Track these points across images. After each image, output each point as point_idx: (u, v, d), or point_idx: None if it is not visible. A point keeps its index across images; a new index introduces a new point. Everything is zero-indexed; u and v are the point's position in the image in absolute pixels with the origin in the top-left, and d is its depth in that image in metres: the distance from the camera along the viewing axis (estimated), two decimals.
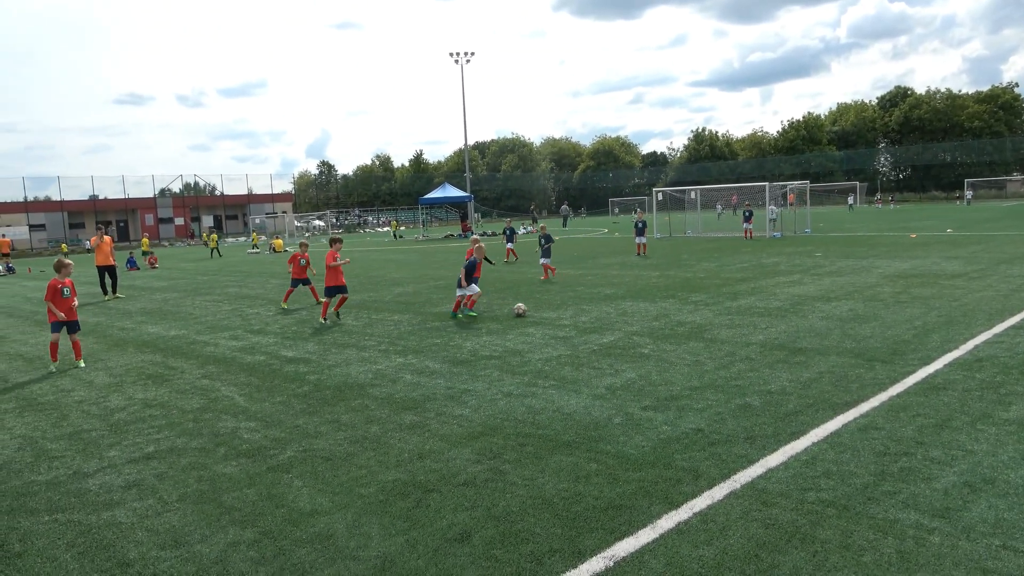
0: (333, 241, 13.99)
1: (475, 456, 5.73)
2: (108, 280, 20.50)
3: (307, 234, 66.98)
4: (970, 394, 6.60)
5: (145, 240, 47.78)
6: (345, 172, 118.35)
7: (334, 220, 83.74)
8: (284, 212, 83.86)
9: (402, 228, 71.59)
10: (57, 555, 4.48)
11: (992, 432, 5.60)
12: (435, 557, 4.13)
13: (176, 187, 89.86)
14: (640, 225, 25.06)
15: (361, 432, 6.54)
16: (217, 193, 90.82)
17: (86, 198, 77.70)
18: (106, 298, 20.16)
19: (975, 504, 4.38)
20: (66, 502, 5.32)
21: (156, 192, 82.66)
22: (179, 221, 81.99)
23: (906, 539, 4.00)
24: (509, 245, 25.78)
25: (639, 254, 24.72)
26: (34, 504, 5.33)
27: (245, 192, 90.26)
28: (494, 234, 50.81)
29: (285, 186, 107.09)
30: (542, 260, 18.95)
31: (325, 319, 13.12)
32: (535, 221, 60.88)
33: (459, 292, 12.61)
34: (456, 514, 4.68)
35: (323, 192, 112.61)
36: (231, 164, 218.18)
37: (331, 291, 13.26)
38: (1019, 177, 77.75)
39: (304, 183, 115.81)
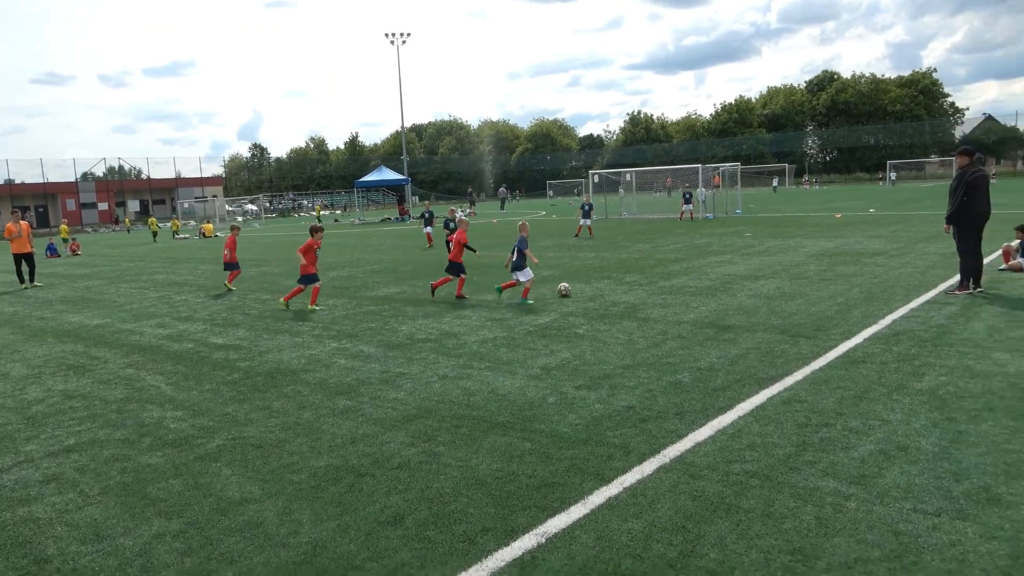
0: (315, 230, 13.10)
1: (409, 439, 5.71)
2: (25, 268, 19.58)
3: (239, 219, 65.28)
4: (887, 366, 6.89)
5: (64, 227, 45.84)
6: (279, 155, 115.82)
7: (267, 204, 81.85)
8: (214, 196, 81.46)
9: (325, 212, 70.12)
10: None
11: (906, 402, 5.85)
12: (367, 541, 4.10)
13: (99, 171, 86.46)
14: (587, 207, 25.45)
15: (293, 418, 6.44)
16: (143, 177, 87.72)
17: (1, 182, 73.94)
18: (23, 286, 19.27)
19: (889, 471, 4.58)
20: None
21: (78, 176, 79.34)
22: (103, 206, 78.85)
23: (824, 506, 4.16)
24: (427, 230, 25.36)
25: (578, 235, 25.06)
26: None
27: (173, 176, 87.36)
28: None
29: (215, 169, 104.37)
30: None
31: (316, 305, 12.46)
32: (473, 204, 60.58)
33: (515, 276, 11.74)
34: (389, 497, 4.65)
35: (255, 176, 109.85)
36: (158, 147, 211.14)
37: (310, 279, 12.68)
38: (937, 159, 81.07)
39: (236, 166, 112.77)
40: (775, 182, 67.60)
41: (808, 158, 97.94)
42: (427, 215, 25.99)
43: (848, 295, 10.65)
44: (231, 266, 16.15)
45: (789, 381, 6.59)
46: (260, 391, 7.41)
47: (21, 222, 19.80)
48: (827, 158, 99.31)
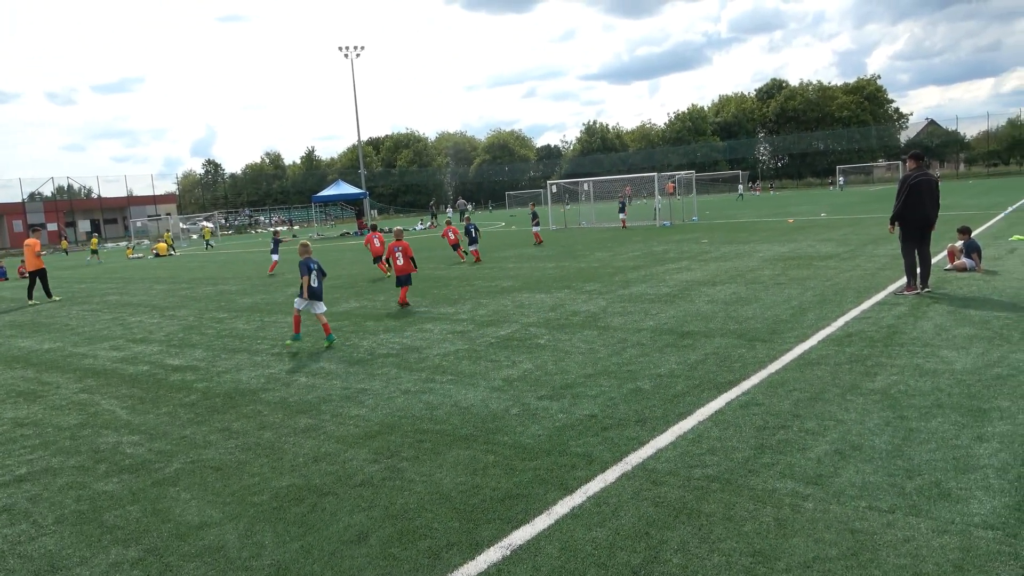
0: (399, 233, 13.97)
1: (372, 456, 5.68)
2: (37, 283, 19.75)
3: (205, 228, 64.01)
4: (841, 367, 7.05)
5: (95, 240, 44.55)
6: (233, 171, 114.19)
7: (223, 220, 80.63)
8: (168, 214, 79.97)
9: (283, 228, 69.07)
10: None
11: (860, 402, 6.01)
12: (331, 561, 4.07)
13: (47, 190, 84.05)
14: (533, 215, 27.99)
15: (253, 439, 6.35)
16: (94, 196, 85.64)
17: None
18: (31, 302, 19.29)
19: (844, 470, 4.70)
20: None
21: (25, 196, 77.09)
22: (52, 227, 76.80)
23: (783, 507, 4.25)
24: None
25: (538, 242, 26.78)
26: None
27: (125, 194, 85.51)
28: (389, 231, 50.26)
29: (169, 187, 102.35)
30: (471, 247, 21.33)
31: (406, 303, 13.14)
32: (435, 216, 60.41)
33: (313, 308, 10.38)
34: (353, 516, 4.62)
35: (210, 192, 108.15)
36: (109, 165, 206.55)
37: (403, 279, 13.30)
38: (884, 163, 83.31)
39: (189, 183, 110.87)
40: (740, 188, 68.58)
41: (761, 164, 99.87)
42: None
43: (802, 298, 10.88)
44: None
45: (746, 385, 6.71)
46: (219, 412, 7.29)
47: (31, 240, 19.83)
48: (779, 164, 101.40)
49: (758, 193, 74.14)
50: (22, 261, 37.26)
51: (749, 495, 4.44)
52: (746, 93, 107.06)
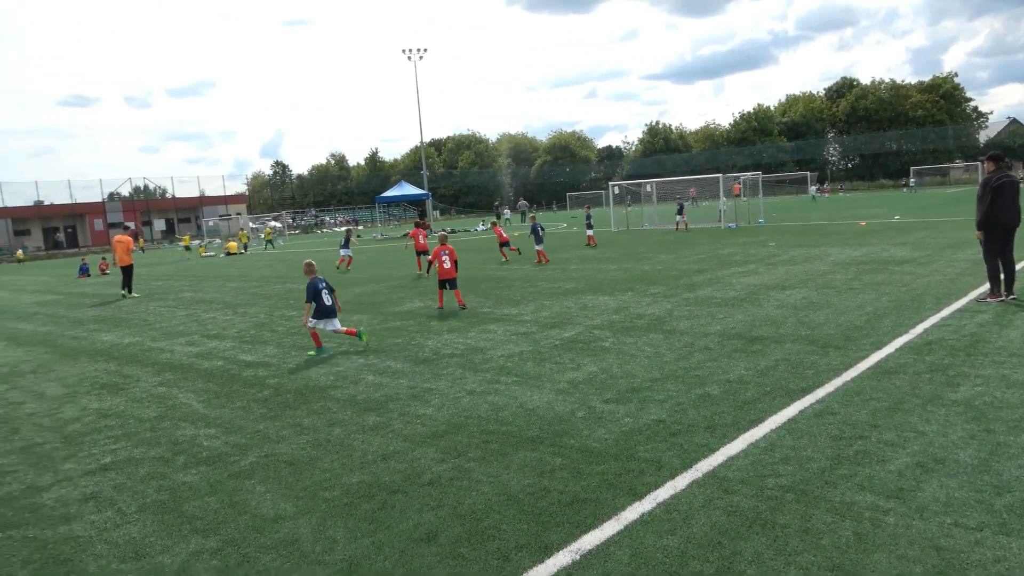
0: (443, 237, 14.18)
1: (440, 455, 5.73)
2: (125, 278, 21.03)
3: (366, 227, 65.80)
4: (920, 377, 6.80)
5: (187, 238, 47.17)
6: (300, 172, 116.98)
7: (290, 220, 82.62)
8: (238, 214, 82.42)
9: (355, 228, 70.24)
10: (13, 572, 4.36)
11: (942, 413, 5.78)
12: (402, 558, 4.12)
13: (125, 191, 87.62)
14: (588, 217, 28.28)
15: (324, 435, 6.48)
16: (168, 196, 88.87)
17: (31, 204, 75.32)
18: (123, 295, 20.69)
19: (927, 484, 4.52)
20: (20, 518, 5.18)
21: (104, 196, 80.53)
22: (130, 225, 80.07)
23: (863, 521, 4.12)
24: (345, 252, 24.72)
25: (589, 244, 27.03)
26: None
27: (197, 194, 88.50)
28: (452, 231, 50.68)
29: (239, 187, 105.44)
30: (537, 246, 21.43)
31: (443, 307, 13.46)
32: (499, 217, 60.67)
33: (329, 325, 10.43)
34: (422, 514, 4.67)
35: (278, 192, 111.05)
36: (182, 166, 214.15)
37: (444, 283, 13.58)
38: (961, 164, 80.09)
39: (258, 184, 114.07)
40: (813, 190, 66.75)
41: (830, 165, 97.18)
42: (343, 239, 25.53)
43: (877, 304, 10.54)
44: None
45: (820, 393, 6.53)
46: (290, 408, 7.47)
47: (124, 236, 21.28)
48: (849, 165, 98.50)
49: (827, 195, 72.15)
50: (103, 258, 39.06)
51: (826, 507, 4.31)
52: (814, 92, 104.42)
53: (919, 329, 8.77)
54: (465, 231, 50.01)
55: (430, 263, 13.73)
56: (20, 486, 5.84)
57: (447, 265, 13.31)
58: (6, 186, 72.66)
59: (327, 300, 10.20)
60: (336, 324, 10.35)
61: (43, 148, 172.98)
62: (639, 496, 4.67)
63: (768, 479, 4.77)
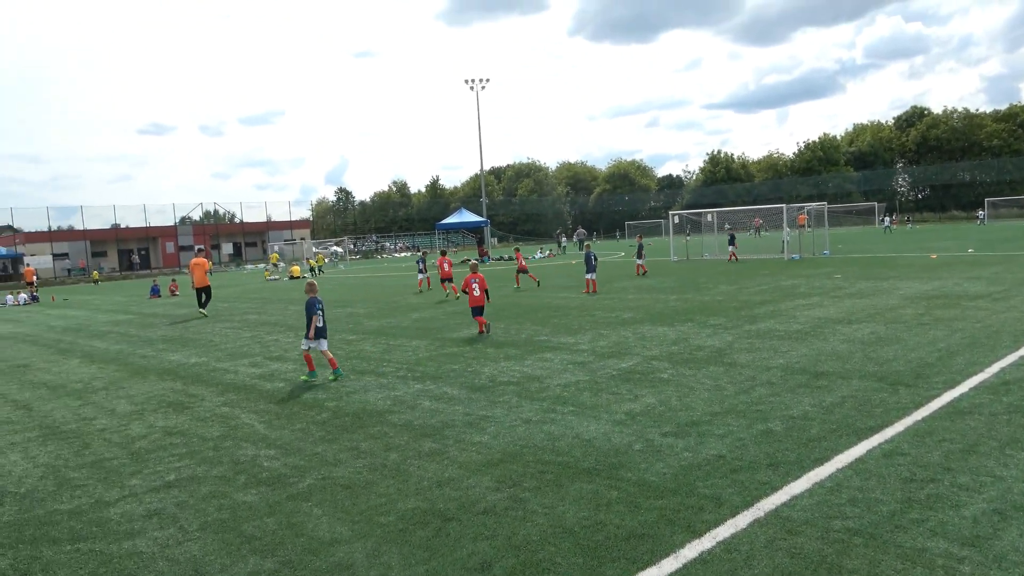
0: (475, 266, 14.63)
1: (495, 484, 5.70)
2: (203, 297, 22.22)
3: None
4: (997, 418, 6.49)
5: (275, 255, 49.25)
6: (362, 198, 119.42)
7: (351, 246, 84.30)
8: (302, 239, 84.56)
9: (405, 253, 70.93)
10: None
11: (1021, 457, 5.49)
12: None
13: (196, 215, 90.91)
14: (640, 247, 28.02)
15: (380, 460, 6.53)
16: (236, 220, 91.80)
17: (108, 227, 78.78)
18: (201, 313, 21.80)
19: (1006, 532, 4.29)
20: (88, 531, 5.34)
21: (176, 220, 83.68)
22: (200, 248, 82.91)
23: (935, 569, 3.92)
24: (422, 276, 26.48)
25: (639, 273, 26.80)
26: (56, 533, 5.35)
27: (264, 219, 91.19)
28: (508, 259, 50.93)
29: (303, 213, 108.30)
30: (587, 275, 20.90)
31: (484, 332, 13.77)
32: (560, 245, 60.81)
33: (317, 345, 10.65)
34: (476, 543, 4.64)
35: (340, 218, 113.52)
36: (251, 191, 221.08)
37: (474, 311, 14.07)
38: None
39: (322, 210, 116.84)
40: (886, 221, 65.01)
41: (899, 196, 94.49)
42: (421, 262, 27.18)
43: (949, 341, 10.13)
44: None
45: (890, 432, 6.28)
46: (348, 431, 7.56)
47: (201, 259, 22.68)
48: (919, 196, 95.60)
49: (895, 226, 70.05)
50: (173, 280, 40.50)
51: (896, 553, 4.12)
52: (883, 121, 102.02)
53: (995, 368, 8.38)
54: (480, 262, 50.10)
55: (463, 290, 14.06)
56: (89, 500, 6.03)
57: (476, 293, 13.84)
58: (87, 210, 76.14)
59: (319, 321, 10.53)
60: (325, 345, 10.62)
61: (122, 174, 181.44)
62: (698, 533, 4.55)
63: (834, 521, 4.59)
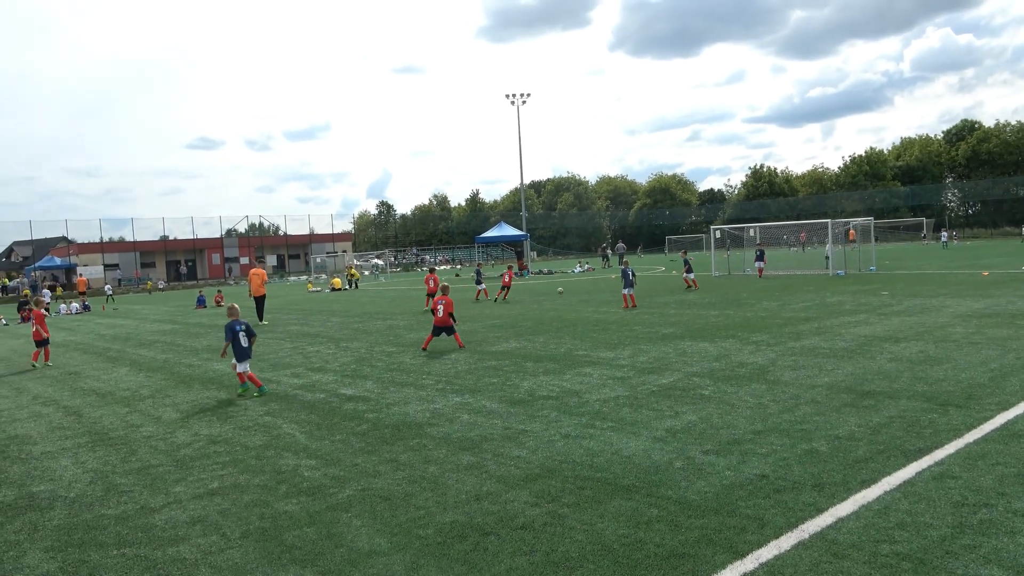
0: (445, 288, 14.99)
1: (533, 499, 5.67)
2: (259, 306, 23.05)
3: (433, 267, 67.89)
4: None
5: (353, 269, 50.09)
6: (404, 212, 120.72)
7: (392, 259, 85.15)
8: (344, 251, 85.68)
9: (446, 267, 71.65)
10: None
11: None
12: None
13: (242, 227, 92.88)
14: (686, 262, 28.37)
15: (419, 472, 6.55)
16: (280, 233, 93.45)
17: (157, 238, 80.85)
18: (263, 323, 22.45)
19: None
20: (134, 536, 5.45)
21: (223, 232, 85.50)
22: (244, 260, 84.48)
23: None
24: (480, 287, 27.99)
25: (689, 287, 27.08)
26: (103, 538, 5.47)
27: (307, 232, 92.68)
28: (550, 272, 50.88)
29: (346, 226, 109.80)
30: (625, 290, 20.79)
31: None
32: (605, 259, 60.63)
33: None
34: (514, 558, 4.62)
35: (382, 232, 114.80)
36: (294, 205, 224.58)
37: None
38: None
39: (364, 223, 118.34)
40: (944, 236, 63.55)
41: (948, 211, 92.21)
42: (478, 272, 29.63)
43: (1003, 361, 9.82)
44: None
45: (940, 455, 6.10)
46: (387, 443, 7.60)
47: (259, 269, 23.42)
48: (969, 211, 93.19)
49: (955, 242, 68.21)
50: (219, 291, 41.27)
51: None
52: (932, 135, 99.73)
53: None
54: (563, 273, 50.08)
55: (431, 310, 14.39)
56: (135, 506, 6.15)
57: (440, 314, 14.27)
58: (137, 222, 78.48)
59: (244, 342, 10.71)
60: (247, 367, 10.82)
61: (171, 188, 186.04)
62: (740, 555, 4.46)
63: (882, 545, 4.46)
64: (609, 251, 69.27)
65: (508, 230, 58.97)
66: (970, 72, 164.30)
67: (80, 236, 76.97)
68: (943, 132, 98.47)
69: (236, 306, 11.37)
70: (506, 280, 26.98)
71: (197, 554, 5.03)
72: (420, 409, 9.10)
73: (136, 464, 7.46)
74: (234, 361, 10.84)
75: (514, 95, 57.68)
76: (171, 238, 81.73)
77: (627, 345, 13.31)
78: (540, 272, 50.77)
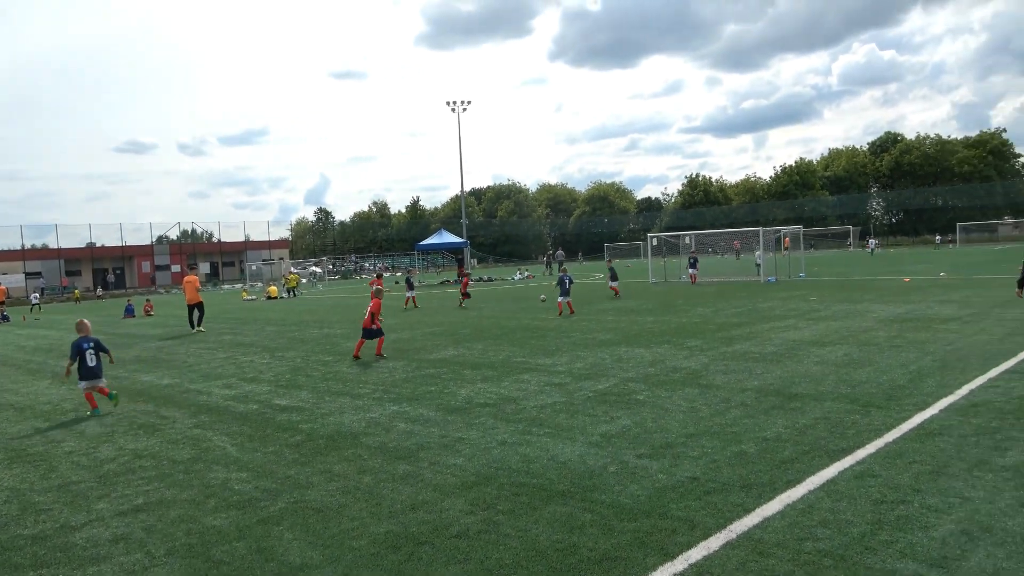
0: (376, 292, 14.95)
1: (468, 507, 5.66)
2: (196, 315, 22.59)
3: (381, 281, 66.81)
4: (966, 440, 6.57)
5: (295, 276, 48.72)
6: (342, 219, 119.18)
7: (330, 266, 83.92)
8: (281, 259, 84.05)
9: (386, 275, 71.00)
10: None
11: (989, 479, 5.55)
12: None
13: (174, 234, 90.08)
14: (611, 270, 28.83)
15: (354, 482, 6.47)
16: (214, 240, 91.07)
17: (83, 245, 77.83)
18: (194, 330, 22.24)
19: (973, 553, 4.33)
20: (51, 557, 5.22)
21: (153, 239, 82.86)
22: (175, 268, 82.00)
23: None
24: (410, 294, 28.89)
25: (616, 295, 27.25)
26: (19, 559, 5.23)
27: (242, 239, 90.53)
28: (490, 280, 50.92)
29: (283, 233, 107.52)
30: (560, 298, 20.86)
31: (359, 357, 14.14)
32: (548, 266, 60.90)
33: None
34: (448, 567, 4.60)
35: (320, 239, 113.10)
36: (230, 211, 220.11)
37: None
38: (1010, 220, 78.47)
39: (302, 230, 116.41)
40: (872, 244, 65.84)
41: (873, 220, 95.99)
42: (409, 280, 30.55)
43: (921, 363, 10.26)
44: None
45: (861, 454, 6.33)
46: (322, 454, 7.48)
47: (192, 277, 23.19)
48: (893, 220, 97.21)
49: (880, 250, 70.96)
50: (148, 300, 39.97)
51: (866, 574, 4.14)
52: (858, 147, 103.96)
53: (965, 390, 8.50)
54: (503, 280, 50.20)
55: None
56: (54, 524, 5.90)
57: (365, 315, 14.44)
58: (62, 228, 75.46)
59: (91, 361, 10.45)
60: (102, 382, 10.66)
61: (99, 193, 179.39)
62: (671, 556, 4.54)
63: (805, 543, 4.61)
64: (551, 259, 69.75)
65: (448, 237, 58.94)
66: (893, 87, 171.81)
67: None
68: (868, 144, 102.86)
69: (86, 321, 10.89)
70: (463, 288, 27.96)
71: (119, 574, 4.85)
72: (356, 419, 8.99)
73: (56, 481, 7.16)
74: (82, 383, 10.44)
75: (455, 102, 57.81)
76: (98, 245, 78.80)
77: (565, 351, 13.42)
78: (480, 280, 50.75)
